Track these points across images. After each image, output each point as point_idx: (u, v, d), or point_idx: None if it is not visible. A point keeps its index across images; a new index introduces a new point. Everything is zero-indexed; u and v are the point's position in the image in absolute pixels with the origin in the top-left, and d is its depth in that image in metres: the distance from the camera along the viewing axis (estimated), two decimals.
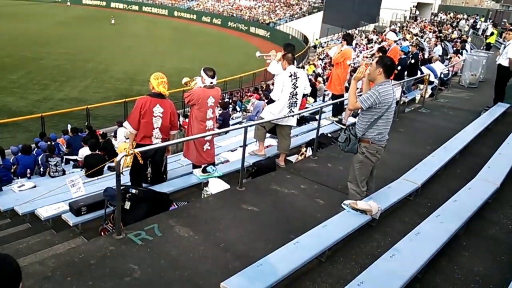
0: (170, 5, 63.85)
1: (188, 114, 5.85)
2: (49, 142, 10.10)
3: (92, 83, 22.71)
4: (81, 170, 8.21)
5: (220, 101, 12.45)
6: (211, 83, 5.44)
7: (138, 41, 37.32)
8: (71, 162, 9.64)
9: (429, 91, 10.72)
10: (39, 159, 8.85)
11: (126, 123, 5.25)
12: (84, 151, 8.51)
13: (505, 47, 8.94)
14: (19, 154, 9.02)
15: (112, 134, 12.21)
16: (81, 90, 21.23)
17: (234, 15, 56.69)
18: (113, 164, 7.75)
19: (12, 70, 23.48)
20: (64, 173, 8.59)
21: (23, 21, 42.45)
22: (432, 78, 10.97)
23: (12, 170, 8.67)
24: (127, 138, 8.49)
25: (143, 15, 59.44)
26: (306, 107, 9.93)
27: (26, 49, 29.28)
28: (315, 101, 13.81)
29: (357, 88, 4.65)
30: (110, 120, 15.50)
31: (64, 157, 9.80)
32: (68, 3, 62.20)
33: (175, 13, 60.83)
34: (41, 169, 8.78)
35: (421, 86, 10.89)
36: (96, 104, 16.57)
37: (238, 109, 16.07)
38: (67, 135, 11.47)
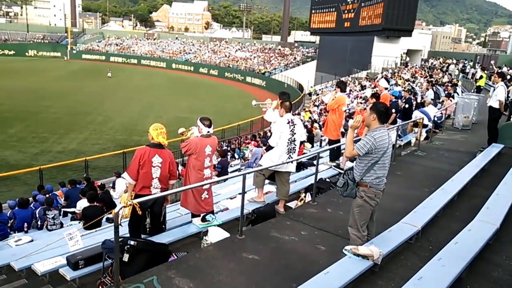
0: (168, 57, 65.93)
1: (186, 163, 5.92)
2: (47, 195, 10.05)
3: (91, 135, 22.96)
4: (79, 223, 8.12)
5: (219, 149, 12.58)
6: (208, 132, 5.55)
7: (137, 93, 38.17)
8: (69, 215, 9.55)
9: (424, 134, 10.89)
10: (37, 212, 8.78)
11: (125, 174, 5.29)
12: (82, 203, 8.47)
13: (494, 89, 9.23)
14: (16, 208, 8.95)
15: (111, 185, 12.19)
16: (80, 142, 21.42)
17: (231, 66, 58.45)
18: (111, 216, 7.73)
19: (11, 124, 23.79)
20: (61, 226, 8.48)
21: (23, 76, 43.59)
22: (426, 121, 11.18)
23: (9, 225, 8.57)
24: (126, 192, 8.49)
25: (141, 68, 61.21)
26: (304, 153, 10.04)
27: (26, 103, 29.85)
28: (312, 146, 13.94)
29: (355, 135, 4.75)
30: (109, 171, 15.54)
31: (62, 209, 9.73)
32: (65, 58, 64.18)
33: (173, 65, 62.73)
34: (39, 223, 8.68)
35: (416, 129, 11.08)
36: (94, 155, 16.67)
37: (236, 156, 16.16)
38: (65, 188, 11.44)
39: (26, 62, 58.98)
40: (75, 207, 9.18)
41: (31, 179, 14.36)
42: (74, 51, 69.73)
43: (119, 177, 11.64)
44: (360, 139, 4.37)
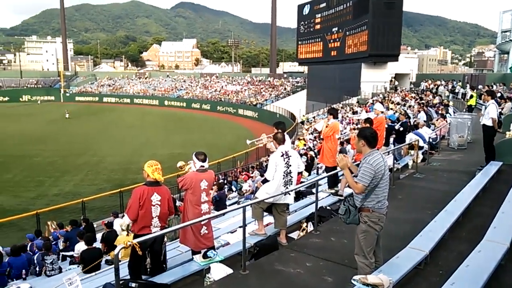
0: (160, 95, 66.59)
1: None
2: (46, 240, 9.83)
3: (87, 176, 22.78)
4: (78, 267, 7.90)
5: (215, 182, 12.46)
6: (202, 166, 5.49)
7: (131, 131, 38.27)
8: (68, 259, 9.31)
9: (421, 156, 10.89)
10: (35, 258, 8.56)
11: (125, 217, 5.17)
12: (80, 246, 8.27)
13: (485, 108, 9.32)
14: (9, 257, 8.71)
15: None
16: (76, 183, 21.22)
17: (222, 99, 59.07)
18: (110, 258, 7.53)
19: (7, 169, 23.63)
20: (60, 271, 8.26)
21: (17, 121, 43.70)
22: (421, 143, 11.20)
23: (6, 273, 8.32)
24: (123, 230, 8.30)
25: (134, 107, 61.65)
26: (302, 182, 9.96)
27: (20, 148, 29.79)
28: (310, 174, 13.87)
29: (352, 160, 4.70)
30: (106, 211, 15.29)
31: (61, 253, 9.49)
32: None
33: (166, 102, 63.30)
34: (37, 269, 8.45)
35: (412, 152, 11.09)
36: (91, 196, 16.47)
37: (234, 189, 16.03)
38: (63, 230, 11.21)
39: (20, 107, 59.26)
40: (73, 250, 8.97)
41: (28, 223, 14.09)
42: (67, 94, 70.30)
43: (116, 217, 11.44)
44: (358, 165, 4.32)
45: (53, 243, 10.03)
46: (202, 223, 5.46)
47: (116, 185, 18.88)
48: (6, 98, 66.98)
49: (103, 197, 16.60)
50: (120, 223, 9.60)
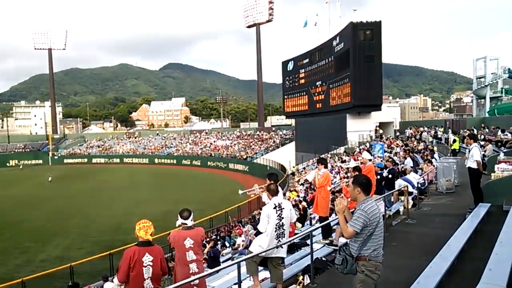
0: (150, 153, 66.73)
1: None
2: None
3: (76, 239, 22.20)
4: None
5: (208, 239, 12.28)
6: (184, 224, 5.45)
7: (121, 191, 37.88)
8: None
9: (411, 202, 10.98)
10: None
11: (115, 280, 5.05)
12: None
13: (469, 151, 9.60)
14: None
15: None
16: (64, 248, 20.63)
17: (212, 154, 59.37)
18: None
19: None
20: None
21: (4, 187, 42.97)
22: (410, 189, 11.33)
23: None
24: None
25: (124, 166, 61.44)
26: (295, 233, 9.88)
27: (8, 213, 29.16)
28: (303, 226, 13.77)
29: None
30: (96, 275, 14.80)
31: None
32: (21, 166, 64.58)
33: (156, 160, 63.34)
34: None
35: (402, 197, 11.18)
36: (80, 260, 15.98)
37: (227, 244, 15.75)
38: None
39: (7, 172, 58.61)
40: None
41: None
42: (56, 157, 70.06)
43: (106, 281, 11.08)
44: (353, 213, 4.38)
45: None
46: (193, 283, 5.32)
47: (106, 247, 18.37)
48: None
49: (92, 261, 16.16)
50: (111, 287, 9.31)
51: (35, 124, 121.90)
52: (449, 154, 19.76)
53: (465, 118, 46.26)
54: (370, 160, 9.61)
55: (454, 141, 20.24)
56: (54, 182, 45.92)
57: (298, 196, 21.85)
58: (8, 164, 66.34)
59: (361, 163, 9.56)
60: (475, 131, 22.74)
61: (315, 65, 44.09)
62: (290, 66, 49.46)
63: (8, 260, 18.88)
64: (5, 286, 13.73)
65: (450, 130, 27.15)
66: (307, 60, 45.75)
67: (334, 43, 39.38)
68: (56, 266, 15.81)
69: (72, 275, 14.31)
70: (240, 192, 7.36)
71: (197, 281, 5.35)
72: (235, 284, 6.19)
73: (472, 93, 71.56)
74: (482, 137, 19.25)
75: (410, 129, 34.24)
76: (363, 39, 35.64)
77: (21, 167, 64.13)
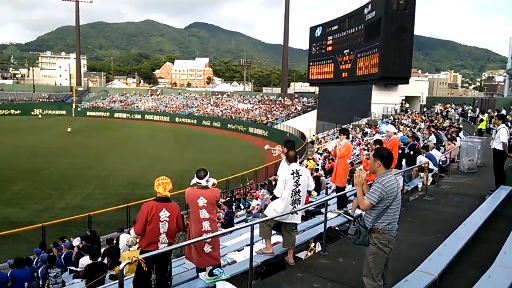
0: (171, 112, 67.22)
1: None
2: (51, 253, 9.85)
3: (95, 190, 22.89)
4: (82, 281, 7.87)
5: (224, 200, 12.44)
6: (199, 183, 5.48)
7: (141, 147, 38.54)
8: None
9: (430, 179, 10.79)
10: (39, 271, 8.55)
11: (132, 232, 5.16)
12: (85, 260, 8.26)
13: (496, 132, 9.26)
14: (12, 269, 8.73)
15: (114, 241, 11.95)
16: (83, 197, 21.31)
17: (233, 117, 59.39)
18: (115, 273, 7.50)
19: (15, 182, 23.83)
20: (63, 285, 8.23)
21: (28, 135, 44.31)
22: (431, 165, 11.11)
23: (9, 285, 8.32)
24: (129, 246, 8.28)
25: (145, 123, 62.20)
26: (310, 201, 9.89)
27: (30, 161, 30.12)
28: (318, 194, 13.79)
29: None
30: (113, 226, 15.29)
31: (68, 267, 9.46)
32: (40, 116, 65.09)
33: (176, 119, 63.84)
34: (40, 282, 8.43)
35: (422, 174, 10.99)
36: (98, 210, 16.51)
37: (242, 207, 15.97)
38: (67, 242, 11.24)
39: (32, 120, 60.19)
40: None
41: (33, 236, 14.13)
42: (79, 109, 71.43)
43: (122, 233, 11.44)
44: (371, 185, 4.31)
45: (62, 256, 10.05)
46: (206, 241, 5.43)
47: (124, 200, 18.93)
48: (18, 112, 68.34)
49: (110, 212, 16.64)
50: (127, 238, 9.61)
51: (60, 75, 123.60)
52: (474, 134, 19.21)
53: (495, 97, 44.61)
54: (395, 133, 9.39)
55: (481, 120, 19.63)
56: (76, 133, 46.91)
57: (315, 165, 21.79)
58: (32, 113, 68.04)
59: (388, 136, 9.34)
60: (504, 112, 21.95)
61: (344, 33, 42.82)
62: (318, 32, 48.15)
63: (29, 205, 19.65)
64: (26, 229, 14.34)
65: (478, 109, 26.28)
66: (336, 27, 44.41)
67: (366, 10, 37.94)
68: (75, 214, 16.39)
69: (90, 224, 14.82)
70: (266, 147, 7.47)
71: (209, 239, 5.45)
72: (247, 245, 6.27)
73: (505, 72, 68.59)
74: (511, 118, 18.57)
75: (440, 105, 33.26)
76: (396, 8, 34.25)
77: (40, 116, 65.12)
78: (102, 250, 9.00)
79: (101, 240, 12.04)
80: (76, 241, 11.10)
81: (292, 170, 5.94)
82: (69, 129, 47.79)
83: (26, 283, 8.41)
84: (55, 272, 8.26)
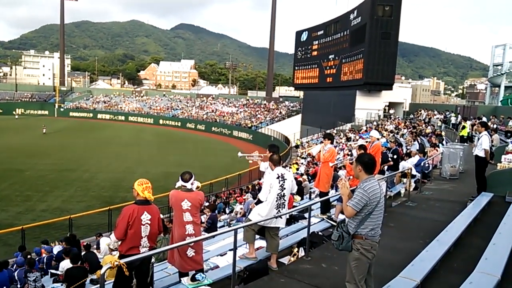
0: (155, 114, 66.67)
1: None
2: (28, 256, 9.61)
3: (76, 192, 22.50)
4: (62, 285, 7.69)
5: (208, 204, 12.34)
6: (184, 186, 5.43)
7: (124, 149, 38.08)
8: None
9: (413, 185, 10.91)
10: (15, 274, 8.32)
11: (113, 236, 5.06)
12: (65, 264, 8.07)
13: (478, 139, 9.42)
14: None
15: (95, 246, 11.72)
16: (64, 199, 20.92)
17: (217, 120, 59.23)
18: (96, 277, 7.35)
19: None
20: None
21: (10, 135, 43.29)
22: (414, 171, 11.24)
23: None
24: (112, 250, 8.13)
25: (129, 125, 61.56)
26: (294, 206, 9.89)
27: (11, 161, 29.48)
28: (302, 199, 13.80)
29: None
30: (94, 229, 15.04)
31: (49, 271, 9.23)
32: (16, 116, 63.41)
33: (160, 121, 63.38)
34: (18, 286, 8.21)
35: (404, 180, 11.10)
36: (79, 213, 16.22)
37: (227, 210, 15.89)
38: (48, 246, 10.98)
39: (13, 120, 58.92)
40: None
41: (12, 239, 13.80)
42: (62, 109, 70.27)
43: (101, 237, 11.26)
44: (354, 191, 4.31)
45: (36, 259, 9.82)
46: (190, 244, 5.37)
47: (106, 203, 18.66)
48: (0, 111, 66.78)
49: (92, 215, 16.37)
50: (108, 243, 9.43)
51: (43, 75, 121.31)
52: (456, 141, 19.54)
53: (477, 105, 45.54)
54: (378, 139, 9.45)
55: (463, 127, 19.97)
56: (57, 134, 46.05)
57: (297, 170, 21.84)
58: (14, 113, 66.63)
59: (371, 141, 9.40)
60: (484, 119, 22.40)
61: (329, 38, 43.15)
62: (304, 36, 48.43)
63: (9, 206, 19.21)
64: (5, 232, 13.99)
65: (459, 116, 26.78)
66: (321, 32, 44.74)
67: (352, 16, 38.35)
68: (55, 217, 16.11)
69: (71, 227, 14.55)
70: (240, 154, 7.34)
71: (192, 243, 5.38)
72: (230, 250, 6.22)
73: (487, 80, 70.15)
74: (493, 126, 18.97)
75: (425, 111, 33.74)
76: (381, 14, 34.67)
77: (16, 117, 63.37)
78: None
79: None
80: (57, 249, 10.84)
81: (278, 174, 5.94)
82: (44, 130, 46.49)
83: (4, 287, 8.18)
84: (35, 276, 8.05)
